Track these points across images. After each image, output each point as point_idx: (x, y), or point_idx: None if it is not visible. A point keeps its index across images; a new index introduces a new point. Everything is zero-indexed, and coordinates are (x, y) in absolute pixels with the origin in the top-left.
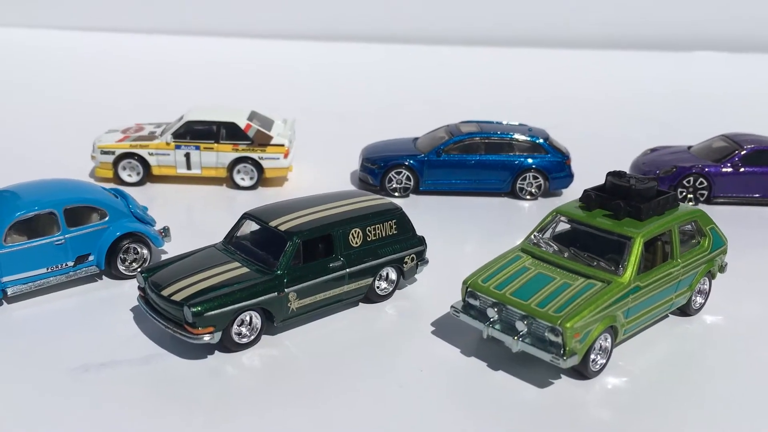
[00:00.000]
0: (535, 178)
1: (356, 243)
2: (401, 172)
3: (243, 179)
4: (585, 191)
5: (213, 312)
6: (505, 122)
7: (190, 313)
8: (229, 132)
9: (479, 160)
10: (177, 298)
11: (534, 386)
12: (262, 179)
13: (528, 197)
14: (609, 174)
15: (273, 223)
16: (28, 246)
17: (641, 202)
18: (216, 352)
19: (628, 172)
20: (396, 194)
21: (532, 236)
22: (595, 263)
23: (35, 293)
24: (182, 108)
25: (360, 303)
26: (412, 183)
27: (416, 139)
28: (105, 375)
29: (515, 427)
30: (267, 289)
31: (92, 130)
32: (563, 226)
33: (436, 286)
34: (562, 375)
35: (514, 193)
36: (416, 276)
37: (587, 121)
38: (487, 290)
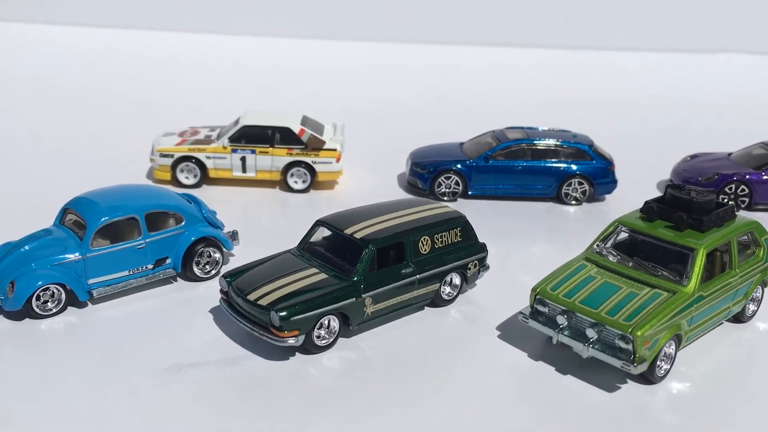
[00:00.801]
0: (580, 183)
1: (425, 250)
2: (450, 176)
3: (296, 182)
4: (646, 203)
5: (298, 316)
6: (548, 128)
7: (277, 318)
8: (284, 136)
9: (526, 166)
10: (263, 302)
11: (602, 390)
12: (314, 182)
13: (573, 202)
14: (669, 186)
15: (347, 231)
16: (112, 250)
17: (702, 214)
18: (296, 353)
19: (670, 177)
20: (445, 198)
21: (595, 246)
22: (659, 273)
23: (117, 294)
24: (228, 109)
25: (425, 307)
26: (460, 188)
27: (462, 143)
28: (195, 375)
29: (586, 430)
30: (346, 295)
31: (144, 129)
32: (623, 235)
33: (495, 290)
34: (628, 380)
35: (559, 198)
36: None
37: (618, 125)
38: (556, 298)
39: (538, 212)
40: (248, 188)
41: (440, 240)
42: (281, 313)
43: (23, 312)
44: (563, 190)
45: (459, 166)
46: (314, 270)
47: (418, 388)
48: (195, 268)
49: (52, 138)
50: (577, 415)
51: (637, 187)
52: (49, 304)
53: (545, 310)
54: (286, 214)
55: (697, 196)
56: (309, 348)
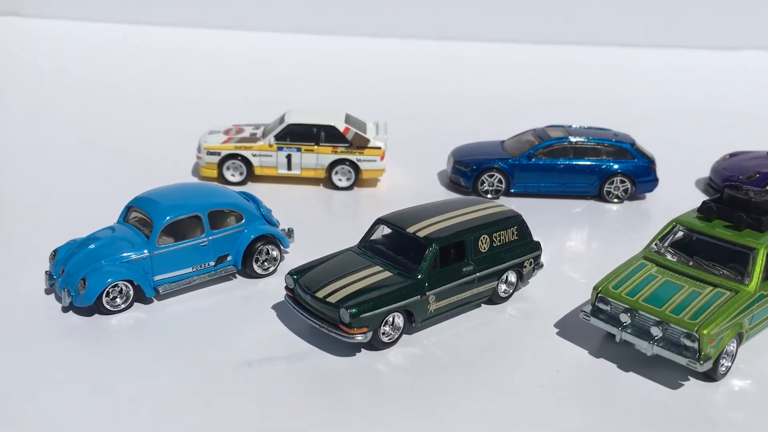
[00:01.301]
0: (622, 182)
1: (484, 249)
2: (493, 174)
3: (340, 180)
4: (704, 203)
5: (367, 314)
6: (588, 126)
7: (347, 315)
8: (329, 135)
9: (568, 165)
10: (332, 299)
11: (666, 387)
12: (358, 180)
13: (615, 201)
14: (726, 186)
15: (410, 230)
16: (177, 247)
17: (760, 213)
18: (362, 349)
19: (709, 176)
20: (488, 196)
21: (653, 245)
22: (720, 272)
23: (180, 291)
24: (266, 106)
25: (482, 304)
26: (503, 186)
27: (503, 141)
28: (267, 371)
29: (655, 428)
30: (411, 292)
31: (186, 126)
32: (680, 234)
33: (548, 288)
34: (690, 377)
35: (600, 197)
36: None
37: (654, 123)
38: (619, 296)
39: (580, 210)
40: (293, 185)
41: (498, 238)
42: (351, 311)
43: (92, 308)
44: (605, 189)
45: (502, 164)
46: (378, 268)
47: (484, 384)
48: (254, 265)
49: (101, 137)
50: (642, 411)
51: (676, 185)
52: (117, 300)
53: (607, 308)
54: (331, 211)
55: (756, 196)
56: (375, 344)
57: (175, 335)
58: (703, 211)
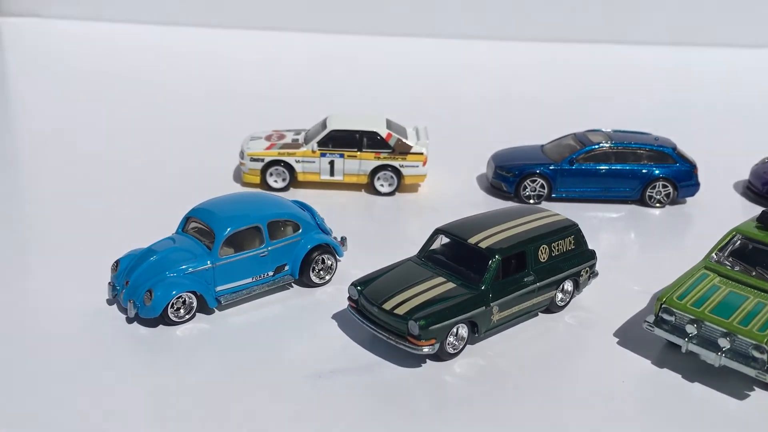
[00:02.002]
0: (664, 186)
1: (543, 258)
2: (535, 180)
3: (382, 185)
4: (764, 212)
5: (436, 326)
6: (626, 130)
7: (416, 327)
8: (371, 141)
9: (611, 169)
10: (400, 311)
11: (732, 398)
12: (400, 185)
13: (657, 205)
14: None
15: (471, 241)
16: (238, 258)
17: None
18: (427, 360)
19: (748, 179)
20: (530, 202)
21: (714, 255)
22: None
23: (241, 301)
24: (302, 110)
25: (539, 313)
26: (545, 191)
27: (542, 146)
28: (336, 383)
29: None
30: (476, 304)
31: (222, 130)
32: (740, 244)
33: (603, 296)
34: (754, 387)
35: (642, 201)
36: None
37: (689, 125)
38: (684, 307)
39: (623, 215)
40: (335, 191)
41: (557, 248)
42: (420, 323)
43: (157, 319)
44: (647, 193)
45: (544, 169)
46: (441, 279)
47: (551, 396)
48: (311, 275)
49: (138, 144)
50: (712, 422)
51: (715, 188)
52: (181, 311)
53: (671, 319)
54: (374, 217)
55: None
56: (440, 355)
57: (240, 346)
58: (763, 220)
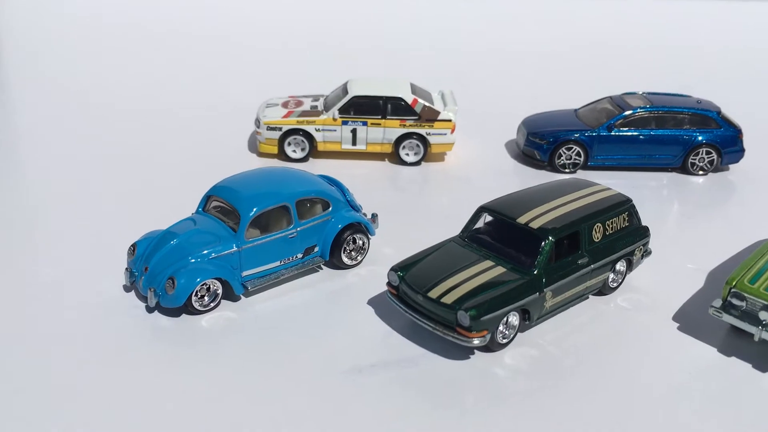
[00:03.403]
0: (708, 153)
1: (597, 238)
2: (571, 147)
3: (408, 155)
4: None
5: (487, 316)
6: (665, 93)
7: (467, 318)
8: (396, 107)
9: (652, 135)
10: (447, 300)
11: None
12: (426, 154)
13: (700, 173)
14: None
15: (521, 220)
16: (266, 240)
17: None
18: (475, 351)
19: None
20: (566, 171)
21: None
22: None
23: (267, 286)
24: (307, 75)
25: (589, 296)
26: (582, 159)
27: (576, 110)
28: (379, 377)
29: None
30: (529, 290)
31: (232, 97)
32: None
33: (655, 275)
34: None
35: (684, 169)
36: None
37: (729, 84)
38: (757, 292)
39: (663, 184)
40: (356, 161)
41: (611, 226)
42: (471, 312)
43: (180, 308)
44: (690, 160)
45: (581, 135)
46: (489, 263)
47: (610, 388)
48: (342, 256)
49: (146, 115)
50: None
51: (762, 154)
52: (205, 298)
53: (742, 304)
54: (400, 189)
55: None
56: (490, 346)
57: (271, 336)
58: None
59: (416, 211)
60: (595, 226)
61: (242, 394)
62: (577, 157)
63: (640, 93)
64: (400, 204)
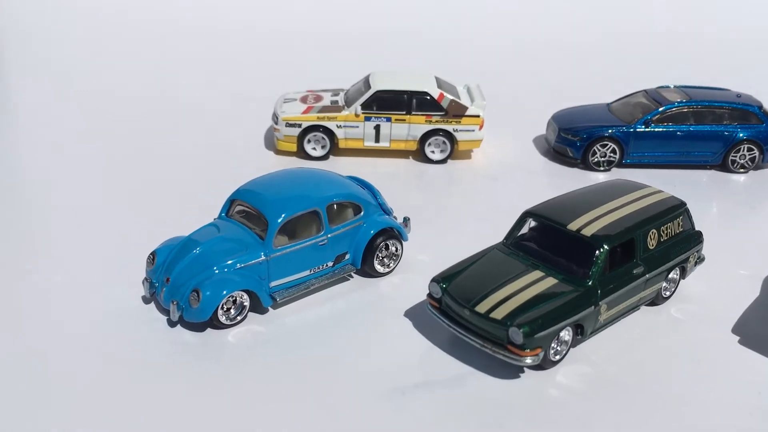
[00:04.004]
0: (749, 149)
1: (652, 245)
2: (606, 144)
3: (433, 152)
4: None
5: (542, 333)
6: (692, 86)
7: (520, 335)
8: (421, 102)
9: (691, 131)
10: (497, 315)
11: None
12: (453, 152)
13: (740, 170)
14: None
15: (572, 227)
16: (295, 248)
17: None
18: (525, 369)
19: None
20: (600, 169)
21: None
22: None
23: (296, 297)
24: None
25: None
26: (617, 156)
27: (609, 105)
28: (424, 400)
29: None
30: (584, 303)
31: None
32: None
33: (707, 282)
34: None
35: (724, 166)
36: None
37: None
38: None
39: (703, 182)
40: (379, 159)
41: (666, 232)
42: (524, 329)
43: (205, 322)
44: (730, 157)
45: (616, 131)
46: (539, 273)
47: (674, 412)
48: (375, 263)
49: (159, 110)
50: None
51: None
52: (232, 311)
53: None
54: (426, 188)
55: None
56: (542, 364)
57: (303, 352)
58: None
59: (445, 213)
60: (650, 233)
61: (272, 416)
62: (612, 155)
63: (672, 86)
64: (426, 205)
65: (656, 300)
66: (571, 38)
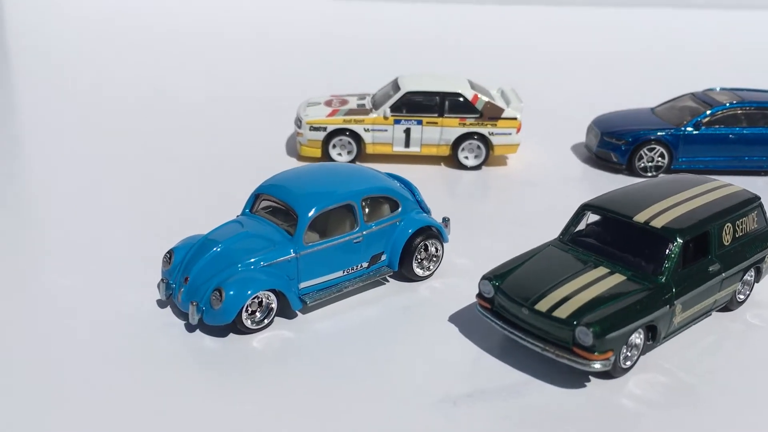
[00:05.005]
0: None
1: (727, 241)
2: (654, 148)
3: (467, 158)
4: None
5: (614, 333)
6: (736, 89)
7: (590, 335)
8: (454, 104)
9: (745, 135)
10: (561, 314)
11: None
12: (488, 157)
13: None
14: None
15: (638, 218)
16: (327, 245)
17: None
18: (591, 378)
19: None
20: (648, 174)
21: None
22: None
23: (327, 301)
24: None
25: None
26: (665, 160)
27: (653, 108)
28: (477, 410)
29: None
30: (658, 302)
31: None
32: None
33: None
34: None
35: None
36: None
37: None
38: None
39: (759, 188)
40: (409, 165)
41: (741, 228)
42: (593, 329)
43: (228, 326)
44: None
45: (665, 135)
46: (604, 269)
47: (764, 425)
48: (414, 265)
49: (181, 114)
50: None
51: None
52: (257, 314)
53: None
54: (460, 194)
55: None
56: (611, 371)
57: (338, 361)
58: None
59: (480, 218)
60: (725, 227)
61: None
62: (660, 159)
63: (718, 89)
64: (461, 211)
65: (730, 305)
66: (602, 50)
